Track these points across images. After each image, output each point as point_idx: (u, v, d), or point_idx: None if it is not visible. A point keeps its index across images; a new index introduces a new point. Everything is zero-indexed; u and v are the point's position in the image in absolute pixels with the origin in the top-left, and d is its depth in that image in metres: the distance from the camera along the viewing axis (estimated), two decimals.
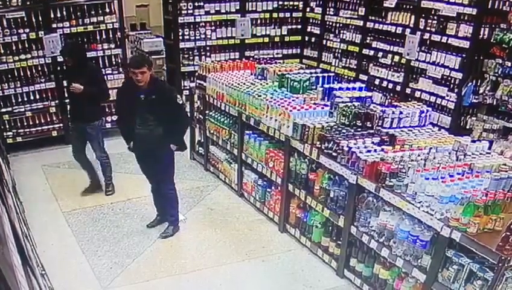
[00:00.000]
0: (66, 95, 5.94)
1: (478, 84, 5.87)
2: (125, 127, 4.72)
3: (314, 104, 4.88)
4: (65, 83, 5.94)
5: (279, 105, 4.76)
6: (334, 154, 4.09)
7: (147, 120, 4.49)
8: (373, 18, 7.09)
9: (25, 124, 6.91)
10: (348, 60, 7.69)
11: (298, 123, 4.49)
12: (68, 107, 6.16)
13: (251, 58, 7.26)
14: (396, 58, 6.83)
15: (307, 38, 8.44)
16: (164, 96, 4.47)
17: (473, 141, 4.05)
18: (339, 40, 7.77)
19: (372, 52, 7.20)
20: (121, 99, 4.83)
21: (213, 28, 7.76)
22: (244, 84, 5.50)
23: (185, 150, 4.97)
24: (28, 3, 6.47)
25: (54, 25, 6.64)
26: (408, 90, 6.70)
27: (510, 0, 5.41)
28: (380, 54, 7.08)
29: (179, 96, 4.72)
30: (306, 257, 4.63)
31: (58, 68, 6.84)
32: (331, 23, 7.91)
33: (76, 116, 5.51)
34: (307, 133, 4.41)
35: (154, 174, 4.79)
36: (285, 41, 8.35)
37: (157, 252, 4.69)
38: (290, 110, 4.61)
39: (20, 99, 6.78)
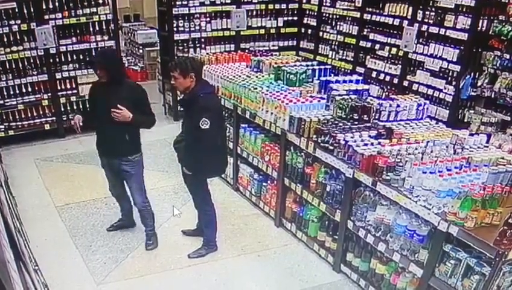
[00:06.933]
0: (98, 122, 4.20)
1: (476, 76, 5.82)
2: None
3: (311, 97, 4.83)
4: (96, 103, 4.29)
5: (275, 98, 4.71)
6: (331, 148, 4.05)
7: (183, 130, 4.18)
8: (370, 9, 7.02)
9: (17, 117, 6.83)
10: (345, 52, 7.63)
11: (294, 116, 4.44)
12: (95, 133, 4.33)
13: (247, 51, 7.23)
14: (394, 50, 6.76)
15: (303, 30, 8.36)
16: (193, 109, 3.92)
17: (471, 135, 4.02)
18: (335, 32, 7.70)
19: (369, 44, 7.14)
20: None
21: (208, 19, 7.66)
22: (240, 76, 5.45)
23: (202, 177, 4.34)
24: None
25: (46, 16, 6.56)
26: (405, 83, 6.65)
27: None
28: (377, 46, 7.02)
29: (206, 120, 3.81)
30: (302, 251, 4.60)
31: (51, 60, 6.76)
32: (327, 15, 7.83)
33: (106, 149, 4.20)
34: (303, 126, 4.36)
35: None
36: (281, 33, 8.27)
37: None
38: (286, 103, 4.56)
39: (12, 92, 6.71)
